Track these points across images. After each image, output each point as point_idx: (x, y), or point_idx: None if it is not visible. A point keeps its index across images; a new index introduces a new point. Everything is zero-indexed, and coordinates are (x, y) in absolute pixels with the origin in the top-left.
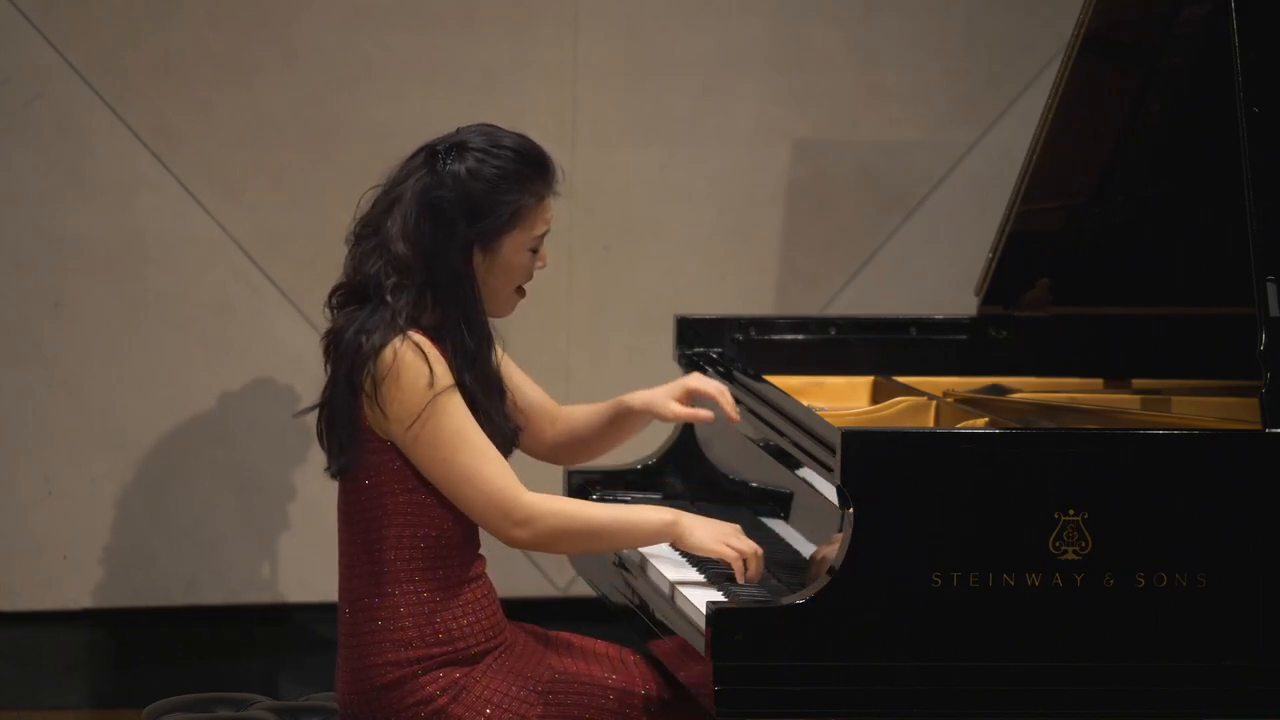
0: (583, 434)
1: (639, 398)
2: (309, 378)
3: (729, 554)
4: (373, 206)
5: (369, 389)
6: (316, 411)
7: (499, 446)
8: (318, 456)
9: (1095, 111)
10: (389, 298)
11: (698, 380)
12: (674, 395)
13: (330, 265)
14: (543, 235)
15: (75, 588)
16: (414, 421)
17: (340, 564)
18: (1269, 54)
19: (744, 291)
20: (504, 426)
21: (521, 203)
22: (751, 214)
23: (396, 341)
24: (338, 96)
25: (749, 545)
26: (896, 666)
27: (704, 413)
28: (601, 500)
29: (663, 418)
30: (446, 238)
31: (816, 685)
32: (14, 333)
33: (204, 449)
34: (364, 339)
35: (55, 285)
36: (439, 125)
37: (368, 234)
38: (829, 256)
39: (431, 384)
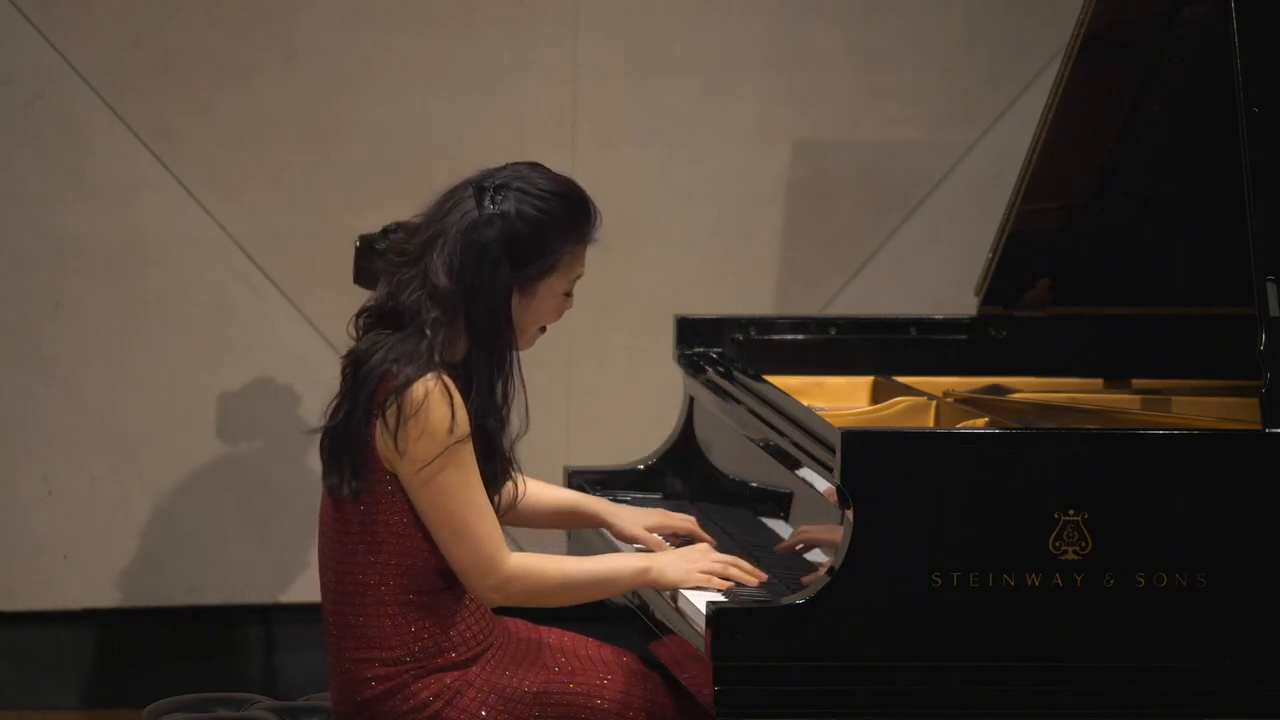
0: (532, 510)
1: (613, 514)
2: (309, 378)
3: (703, 580)
4: (412, 235)
5: (390, 420)
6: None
7: (497, 480)
8: (318, 456)
9: (1095, 111)
10: (428, 330)
11: (665, 517)
12: (645, 524)
13: (330, 265)
14: (577, 279)
15: (75, 588)
16: (427, 465)
17: (323, 575)
18: (1269, 54)
19: (744, 291)
20: (507, 461)
21: (564, 250)
22: (751, 214)
23: (430, 380)
24: (338, 96)
25: (719, 562)
26: (896, 666)
27: (656, 538)
28: (601, 497)
29: (620, 536)
30: (489, 278)
31: (816, 685)
32: (14, 333)
33: (204, 449)
34: (394, 368)
35: (55, 285)
36: (439, 125)
37: (407, 262)
38: (829, 256)
39: (452, 430)
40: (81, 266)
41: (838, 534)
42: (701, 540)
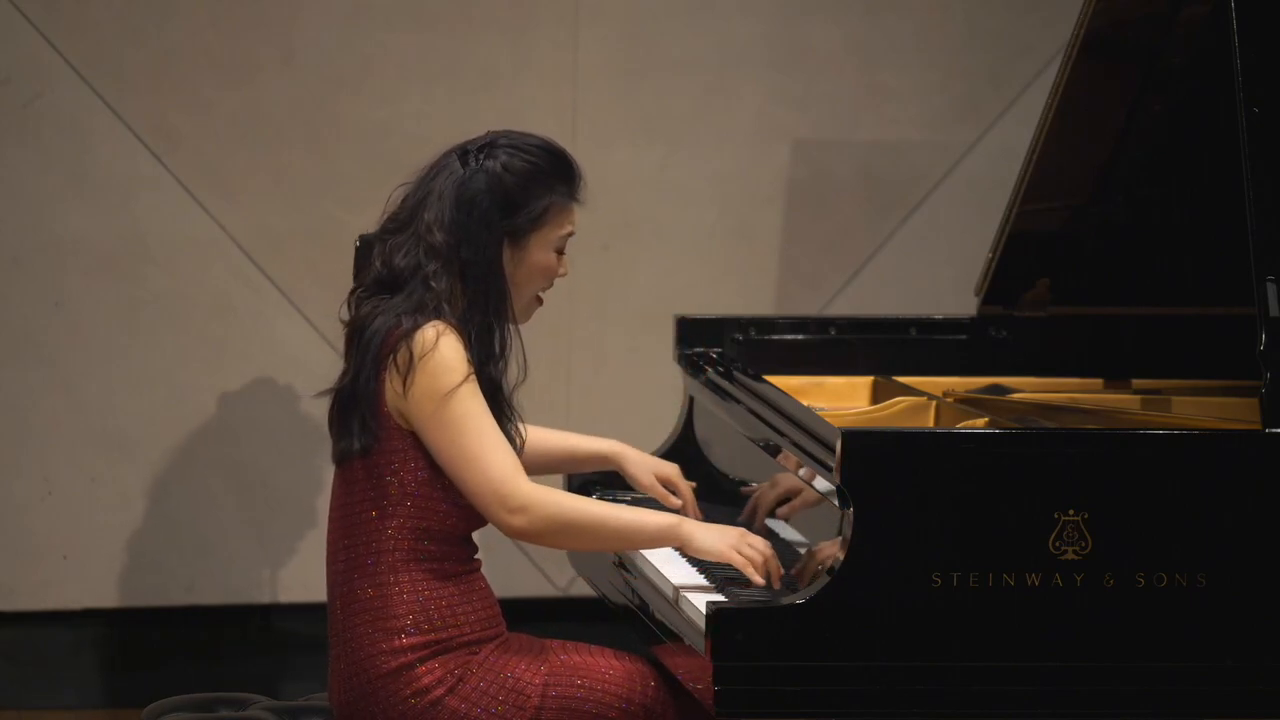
0: (539, 454)
1: (625, 452)
2: (309, 377)
3: (739, 560)
4: (401, 204)
5: (401, 365)
6: (331, 397)
7: (502, 427)
8: (318, 457)
9: (1095, 111)
10: (432, 283)
11: (678, 474)
12: (657, 471)
13: (330, 265)
14: (567, 237)
15: (75, 588)
16: (439, 401)
17: (331, 557)
18: (1269, 54)
19: (744, 291)
20: (509, 409)
21: (551, 200)
22: (751, 214)
23: (439, 323)
24: (338, 96)
25: (758, 554)
26: (896, 666)
27: (675, 499)
28: (601, 500)
29: (637, 483)
30: (482, 229)
31: (816, 685)
32: (14, 333)
33: (204, 449)
34: (403, 319)
35: (55, 285)
36: (439, 125)
37: (397, 229)
38: (829, 256)
39: (460, 368)
40: (81, 266)
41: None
42: (693, 510)
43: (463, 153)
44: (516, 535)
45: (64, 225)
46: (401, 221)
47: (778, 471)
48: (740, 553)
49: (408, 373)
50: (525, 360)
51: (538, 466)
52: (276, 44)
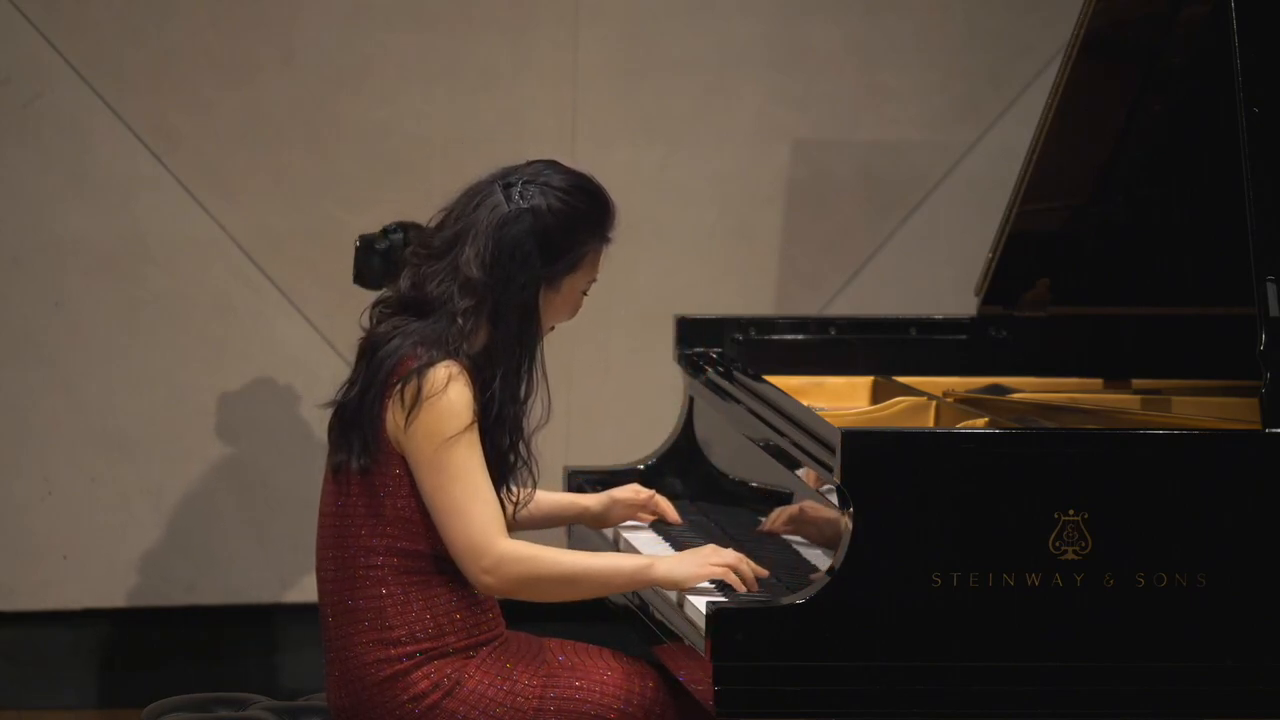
0: (529, 514)
1: (591, 504)
2: (308, 378)
3: (717, 573)
4: (438, 228)
5: (408, 399)
6: (333, 406)
7: (514, 470)
8: (318, 457)
9: (1095, 111)
10: (459, 319)
11: (635, 490)
12: (617, 498)
13: (330, 265)
14: (593, 282)
15: (75, 588)
16: (437, 444)
17: (322, 566)
18: (1269, 54)
19: (744, 291)
20: (518, 460)
21: (591, 246)
22: (751, 214)
23: (453, 364)
24: (338, 96)
25: (730, 556)
26: (896, 666)
27: (642, 495)
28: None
29: (602, 522)
30: (521, 271)
31: (816, 685)
32: (14, 333)
33: (204, 449)
34: (419, 350)
35: (55, 285)
36: (439, 125)
37: (432, 256)
38: (829, 256)
39: (465, 414)
40: (81, 266)
41: (818, 514)
42: (671, 516)
43: (506, 185)
44: (487, 591)
45: (64, 225)
46: (438, 250)
47: (779, 474)
48: (713, 564)
49: (412, 408)
50: (550, 402)
51: (535, 523)
52: (276, 44)
